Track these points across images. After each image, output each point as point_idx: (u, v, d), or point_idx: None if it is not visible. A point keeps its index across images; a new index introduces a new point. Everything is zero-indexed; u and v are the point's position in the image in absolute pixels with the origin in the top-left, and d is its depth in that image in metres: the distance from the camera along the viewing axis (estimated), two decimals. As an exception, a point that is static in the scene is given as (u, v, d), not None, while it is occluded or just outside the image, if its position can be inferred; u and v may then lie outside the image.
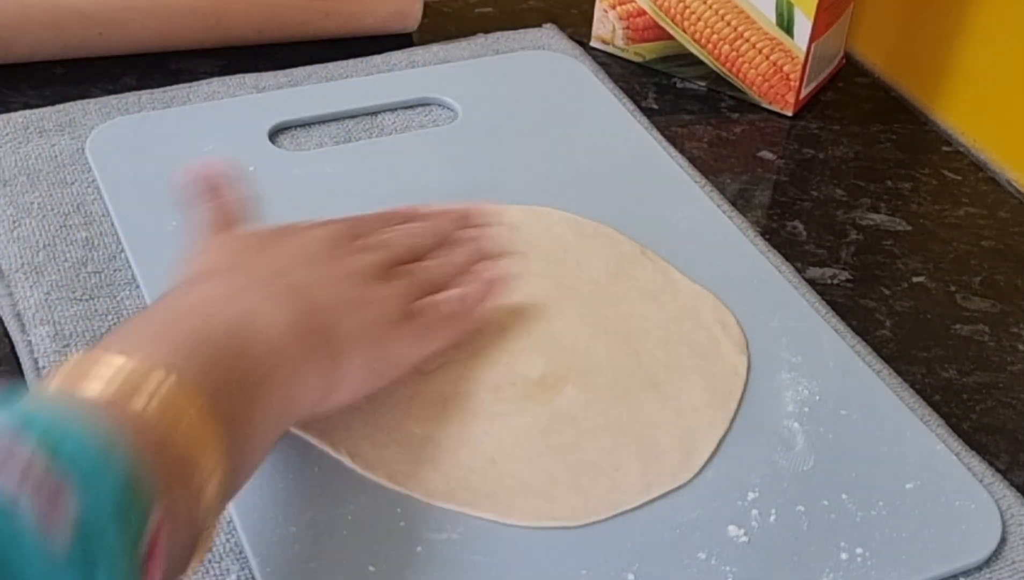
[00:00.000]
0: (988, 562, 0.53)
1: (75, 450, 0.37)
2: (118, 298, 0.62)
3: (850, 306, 0.67)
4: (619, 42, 0.85)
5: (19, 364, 0.58)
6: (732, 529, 0.53)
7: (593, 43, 0.86)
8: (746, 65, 0.81)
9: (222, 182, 0.57)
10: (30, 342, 0.59)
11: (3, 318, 0.60)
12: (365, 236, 0.58)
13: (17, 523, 0.34)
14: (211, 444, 0.43)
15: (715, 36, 0.81)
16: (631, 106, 0.79)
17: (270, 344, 0.48)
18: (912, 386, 0.62)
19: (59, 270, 0.63)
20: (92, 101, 0.74)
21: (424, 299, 0.56)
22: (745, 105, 0.82)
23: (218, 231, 0.56)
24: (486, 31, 0.84)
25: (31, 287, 0.61)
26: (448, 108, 0.77)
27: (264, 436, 0.48)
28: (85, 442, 0.38)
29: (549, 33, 0.85)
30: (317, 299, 0.52)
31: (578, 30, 0.86)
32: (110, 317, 0.60)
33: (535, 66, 0.81)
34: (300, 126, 0.74)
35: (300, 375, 0.49)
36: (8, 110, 0.73)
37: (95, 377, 0.42)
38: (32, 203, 0.66)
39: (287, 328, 0.49)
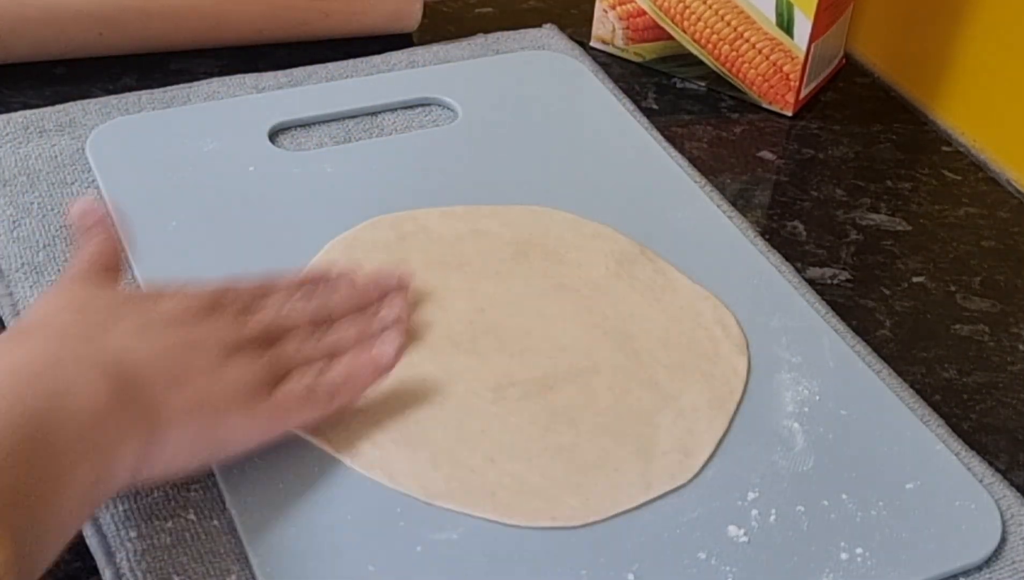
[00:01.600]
0: (988, 562, 0.53)
1: None
2: (118, 298, 0.61)
3: (850, 306, 0.67)
4: (619, 42, 0.85)
5: (19, 364, 0.58)
6: (732, 529, 0.53)
7: (593, 43, 0.86)
8: (746, 65, 0.81)
9: (100, 225, 0.55)
10: (30, 342, 0.59)
11: (3, 318, 0.60)
12: (243, 305, 0.55)
13: None
14: None
15: (715, 36, 0.81)
16: (631, 106, 0.79)
17: (81, 429, 0.45)
18: (912, 386, 0.62)
19: (59, 270, 0.63)
20: (92, 101, 0.74)
21: (290, 377, 0.53)
22: (745, 105, 0.82)
23: (86, 274, 0.53)
24: (486, 31, 0.84)
25: (31, 287, 0.61)
26: (448, 108, 0.77)
27: (70, 519, 0.45)
28: None
29: (549, 33, 0.85)
30: (145, 366, 0.49)
31: (578, 30, 0.86)
32: (110, 317, 0.60)
33: (535, 66, 0.81)
34: (300, 126, 0.74)
35: (113, 454, 0.46)
36: (8, 110, 0.73)
37: None
38: (32, 203, 0.66)
39: (103, 406, 0.46)
